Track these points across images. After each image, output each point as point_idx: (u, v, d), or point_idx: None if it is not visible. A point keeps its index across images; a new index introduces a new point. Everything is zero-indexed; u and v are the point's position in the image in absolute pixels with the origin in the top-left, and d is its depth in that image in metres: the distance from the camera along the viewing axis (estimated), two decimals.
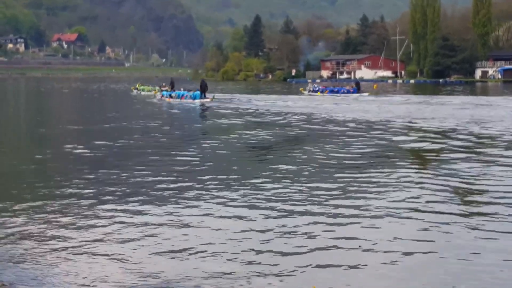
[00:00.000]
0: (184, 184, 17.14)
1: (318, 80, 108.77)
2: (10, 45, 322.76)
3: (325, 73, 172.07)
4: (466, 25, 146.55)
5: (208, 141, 28.38)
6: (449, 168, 19.69)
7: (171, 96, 66.14)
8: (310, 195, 15.79)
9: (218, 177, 18.23)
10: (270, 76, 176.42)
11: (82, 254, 11.14)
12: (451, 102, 60.43)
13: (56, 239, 12.03)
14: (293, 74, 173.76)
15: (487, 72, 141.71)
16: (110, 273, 10.09)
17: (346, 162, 21.45)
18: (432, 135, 30.07)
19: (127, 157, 22.82)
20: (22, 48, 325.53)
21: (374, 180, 17.73)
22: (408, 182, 17.63)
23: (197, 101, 60.34)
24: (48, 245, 11.66)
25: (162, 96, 68.45)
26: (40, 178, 18.62)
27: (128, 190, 16.53)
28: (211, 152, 24.60)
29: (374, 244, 11.57)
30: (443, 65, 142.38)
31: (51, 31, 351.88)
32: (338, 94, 74.72)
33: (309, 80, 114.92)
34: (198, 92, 62.38)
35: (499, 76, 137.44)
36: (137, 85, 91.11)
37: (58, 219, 13.52)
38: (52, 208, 14.52)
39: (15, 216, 13.71)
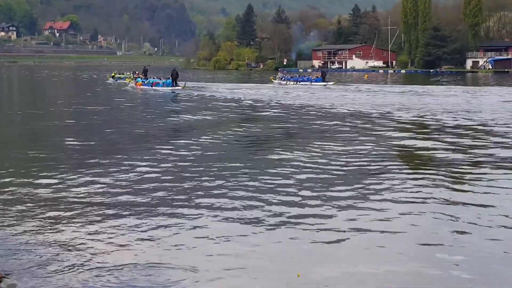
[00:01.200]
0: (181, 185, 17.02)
1: (285, 70, 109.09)
2: (2, 33, 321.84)
3: (316, 63, 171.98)
4: (458, 15, 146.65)
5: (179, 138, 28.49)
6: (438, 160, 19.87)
7: (143, 84, 68.19)
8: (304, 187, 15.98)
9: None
10: (261, 66, 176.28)
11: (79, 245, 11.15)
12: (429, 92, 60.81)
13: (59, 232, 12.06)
14: (285, 63, 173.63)
15: (477, 62, 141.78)
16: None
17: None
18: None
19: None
20: (14, 36, 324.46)
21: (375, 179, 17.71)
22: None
23: (169, 89, 63.18)
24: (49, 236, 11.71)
25: (136, 83, 69.93)
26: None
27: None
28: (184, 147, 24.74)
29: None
30: (434, 55, 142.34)
31: (43, 20, 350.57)
32: (304, 83, 78.22)
33: (280, 70, 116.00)
34: (169, 80, 65.55)
35: (490, 67, 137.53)
36: (113, 74, 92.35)
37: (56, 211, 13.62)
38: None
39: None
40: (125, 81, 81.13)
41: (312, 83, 77.02)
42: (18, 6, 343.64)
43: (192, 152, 20.13)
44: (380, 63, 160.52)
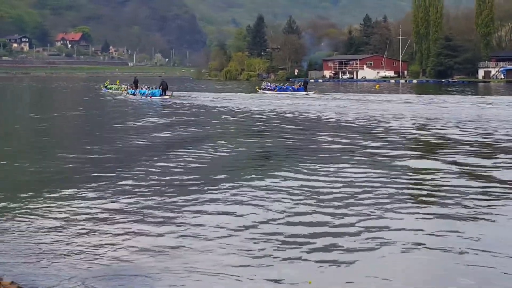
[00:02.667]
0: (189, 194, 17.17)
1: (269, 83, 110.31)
2: (15, 45, 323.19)
3: (327, 73, 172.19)
4: (469, 25, 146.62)
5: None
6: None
7: (134, 94, 72.14)
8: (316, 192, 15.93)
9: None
10: (272, 76, 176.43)
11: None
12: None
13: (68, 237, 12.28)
14: (296, 73, 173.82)
15: (489, 72, 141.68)
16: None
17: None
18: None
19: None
20: (26, 47, 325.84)
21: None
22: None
23: (157, 98, 66.21)
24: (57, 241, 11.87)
25: (128, 94, 73.71)
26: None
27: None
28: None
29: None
30: (445, 65, 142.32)
31: (55, 31, 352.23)
32: (286, 92, 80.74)
33: (264, 80, 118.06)
34: (158, 90, 68.93)
35: (502, 76, 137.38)
36: (105, 83, 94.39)
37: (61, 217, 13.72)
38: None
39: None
40: (116, 91, 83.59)
41: (294, 92, 79.63)
42: (30, 18, 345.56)
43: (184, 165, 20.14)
44: (391, 73, 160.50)
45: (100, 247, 11.16)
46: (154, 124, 35.50)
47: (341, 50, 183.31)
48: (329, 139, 26.57)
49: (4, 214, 13.48)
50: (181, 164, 19.98)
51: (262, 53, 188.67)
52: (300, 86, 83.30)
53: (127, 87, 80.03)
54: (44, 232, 12.16)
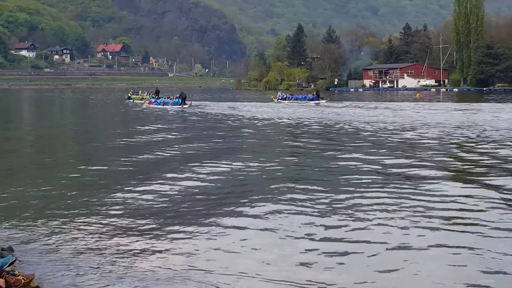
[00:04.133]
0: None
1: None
2: (56, 57, 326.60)
3: (367, 82, 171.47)
4: (511, 33, 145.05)
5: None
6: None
7: (155, 103, 76.24)
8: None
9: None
10: (312, 86, 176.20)
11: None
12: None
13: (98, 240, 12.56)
14: (336, 83, 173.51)
15: None
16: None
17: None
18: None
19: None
20: (68, 59, 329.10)
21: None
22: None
23: (178, 107, 71.04)
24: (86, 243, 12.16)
25: (150, 102, 77.96)
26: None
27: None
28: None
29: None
30: (487, 73, 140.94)
31: (96, 42, 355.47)
32: (301, 101, 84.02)
33: (280, 90, 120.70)
34: (177, 100, 73.84)
35: None
36: (129, 94, 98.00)
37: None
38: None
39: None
40: (139, 101, 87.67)
41: (308, 101, 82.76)
42: (71, 30, 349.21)
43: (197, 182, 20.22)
44: (432, 82, 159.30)
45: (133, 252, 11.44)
46: (177, 136, 35.30)
47: (381, 59, 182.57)
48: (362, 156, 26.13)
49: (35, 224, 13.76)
50: (199, 178, 20.08)
51: (302, 63, 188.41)
52: (313, 95, 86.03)
53: (149, 97, 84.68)
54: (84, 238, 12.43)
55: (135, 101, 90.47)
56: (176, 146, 28.68)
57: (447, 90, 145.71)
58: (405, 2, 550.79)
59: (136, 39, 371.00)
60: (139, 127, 41.72)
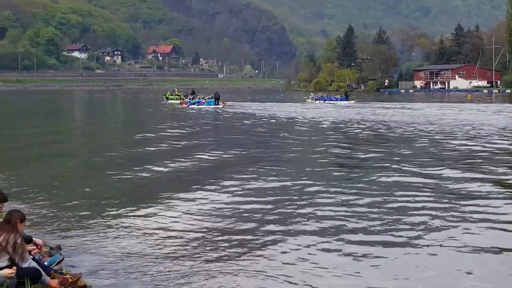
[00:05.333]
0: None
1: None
2: (108, 58, 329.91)
3: (418, 83, 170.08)
4: None
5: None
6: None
7: (191, 103, 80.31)
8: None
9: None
10: (362, 87, 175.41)
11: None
12: None
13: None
14: (386, 84, 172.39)
15: None
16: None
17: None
18: None
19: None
20: (119, 60, 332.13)
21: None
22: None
23: (211, 107, 75.52)
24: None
25: (185, 103, 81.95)
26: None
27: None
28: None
29: None
30: None
31: (147, 44, 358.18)
32: (331, 102, 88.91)
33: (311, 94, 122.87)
34: (212, 100, 78.78)
35: None
36: (167, 94, 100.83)
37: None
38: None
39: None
40: (175, 101, 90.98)
41: (338, 102, 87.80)
42: (122, 31, 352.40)
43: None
44: (484, 83, 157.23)
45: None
46: (219, 141, 35.70)
47: (433, 60, 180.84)
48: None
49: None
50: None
51: (352, 64, 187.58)
52: (342, 96, 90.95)
53: (184, 97, 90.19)
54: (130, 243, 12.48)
55: (171, 101, 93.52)
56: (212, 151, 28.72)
57: (499, 91, 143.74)
58: (457, 2, 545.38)
59: (186, 40, 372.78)
60: (170, 129, 42.09)
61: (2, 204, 10.51)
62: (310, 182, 18.48)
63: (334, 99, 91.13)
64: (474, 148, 27.42)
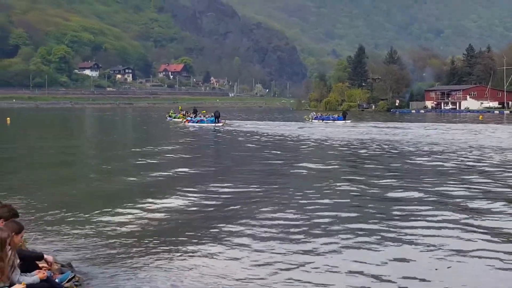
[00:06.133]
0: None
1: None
2: (119, 76, 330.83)
3: (429, 104, 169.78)
4: None
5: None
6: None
7: (192, 121, 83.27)
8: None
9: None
10: (373, 107, 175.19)
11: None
12: None
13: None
14: (397, 104, 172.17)
15: None
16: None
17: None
18: None
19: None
20: (129, 78, 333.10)
21: None
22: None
23: (212, 125, 77.89)
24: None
25: (187, 121, 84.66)
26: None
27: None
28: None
29: None
30: None
31: (158, 62, 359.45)
32: (329, 121, 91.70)
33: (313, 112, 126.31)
34: (212, 118, 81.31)
35: None
36: (170, 113, 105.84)
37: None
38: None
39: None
40: (177, 119, 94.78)
41: (335, 121, 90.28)
42: (134, 50, 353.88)
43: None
44: (495, 104, 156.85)
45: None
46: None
47: (444, 81, 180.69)
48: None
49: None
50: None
51: (363, 84, 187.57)
52: (339, 116, 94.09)
53: (186, 115, 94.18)
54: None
55: (174, 119, 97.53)
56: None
57: (510, 112, 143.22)
58: (470, 24, 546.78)
59: (197, 59, 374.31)
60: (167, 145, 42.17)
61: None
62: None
63: (332, 118, 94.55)
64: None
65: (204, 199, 18.21)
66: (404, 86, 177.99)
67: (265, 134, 58.52)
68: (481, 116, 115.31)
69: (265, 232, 13.99)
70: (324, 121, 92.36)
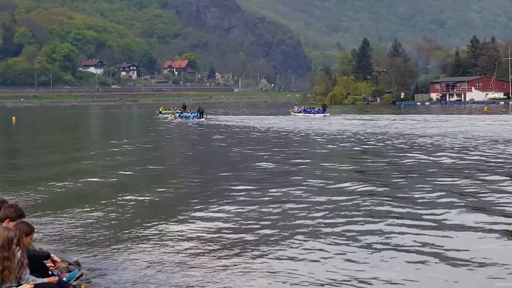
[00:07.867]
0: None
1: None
2: (123, 73, 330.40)
3: (434, 96, 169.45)
4: None
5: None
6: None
7: (180, 117, 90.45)
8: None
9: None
10: (378, 100, 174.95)
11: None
12: None
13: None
14: (402, 97, 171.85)
15: None
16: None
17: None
18: None
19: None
20: (134, 75, 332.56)
21: None
22: None
23: (196, 120, 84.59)
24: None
25: (176, 118, 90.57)
26: None
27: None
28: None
29: None
30: None
31: (162, 59, 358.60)
32: (310, 114, 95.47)
33: (296, 104, 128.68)
34: (196, 114, 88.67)
35: None
36: (160, 109, 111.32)
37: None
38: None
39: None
40: (166, 115, 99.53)
41: (316, 114, 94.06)
42: (138, 47, 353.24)
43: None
44: (500, 95, 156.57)
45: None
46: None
47: (448, 72, 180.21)
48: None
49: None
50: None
51: (368, 77, 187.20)
52: (319, 109, 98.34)
53: (174, 112, 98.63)
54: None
55: (163, 115, 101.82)
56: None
57: None
58: (473, 14, 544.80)
59: (202, 55, 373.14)
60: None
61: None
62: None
63: (313, 111, 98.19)
64: None
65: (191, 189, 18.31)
66: (409, 79, 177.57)
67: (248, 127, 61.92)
68: (486, 107, 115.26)
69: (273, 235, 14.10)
70: (306, 113, 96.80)
